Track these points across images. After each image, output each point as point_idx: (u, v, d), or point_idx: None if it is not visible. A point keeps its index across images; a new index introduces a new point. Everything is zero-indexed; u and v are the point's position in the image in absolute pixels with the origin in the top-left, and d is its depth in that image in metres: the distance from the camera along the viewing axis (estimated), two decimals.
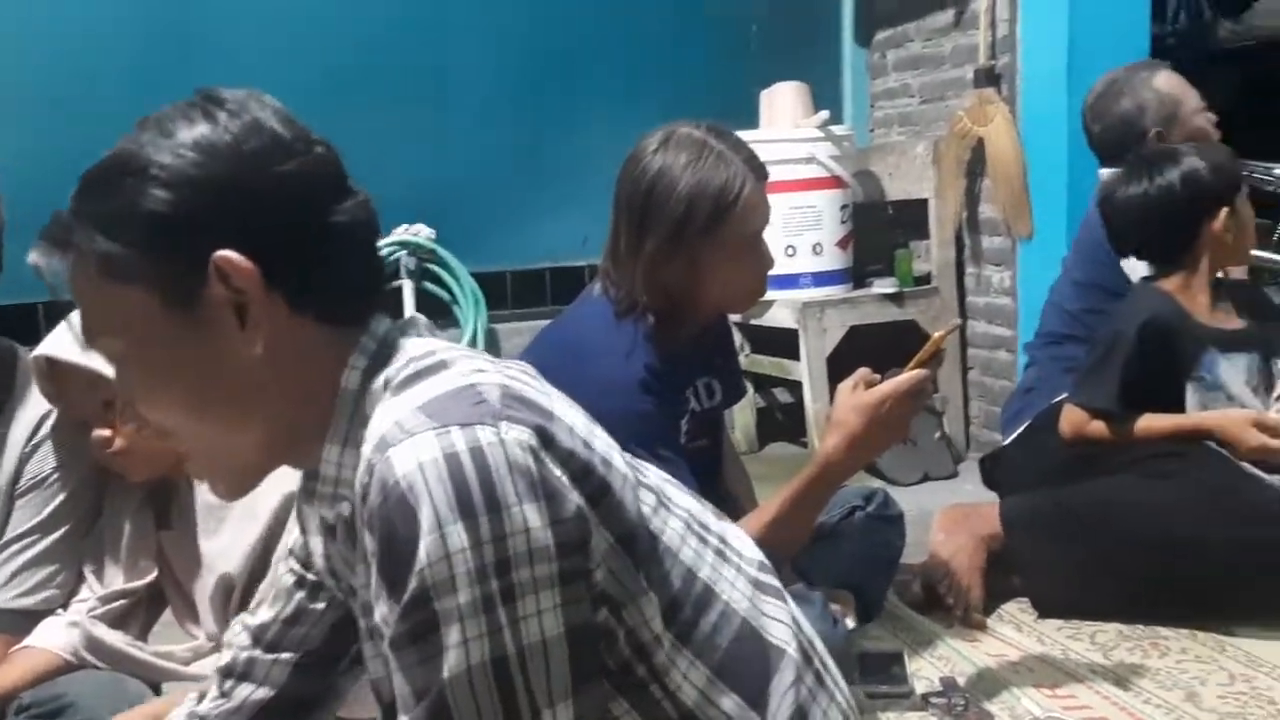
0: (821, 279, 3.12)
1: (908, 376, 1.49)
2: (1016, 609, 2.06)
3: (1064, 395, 2.19)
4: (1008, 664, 1.84)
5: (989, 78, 3.03)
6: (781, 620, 0.93)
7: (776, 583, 0.97)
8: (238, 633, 1.09)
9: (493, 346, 3.22)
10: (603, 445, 0.83)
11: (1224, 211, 1.98)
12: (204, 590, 1.50)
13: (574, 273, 3.23)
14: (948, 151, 3.13)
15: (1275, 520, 1.89)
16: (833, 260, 3.14)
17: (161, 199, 0.78)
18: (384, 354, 0.85)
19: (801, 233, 3.08)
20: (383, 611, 0.74)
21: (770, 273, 1.64)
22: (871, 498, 1.98)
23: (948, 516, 2.11)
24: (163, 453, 1.37)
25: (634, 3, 3.41)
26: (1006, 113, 2.96)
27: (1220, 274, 2.09)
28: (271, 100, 0.85)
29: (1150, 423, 2.01)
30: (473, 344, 3.11)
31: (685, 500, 0.94)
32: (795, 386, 3.23)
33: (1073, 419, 2.07)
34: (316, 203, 0.82)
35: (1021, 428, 2.34)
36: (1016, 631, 1.98)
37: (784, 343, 3.15)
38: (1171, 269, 2.04)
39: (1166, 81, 2.36)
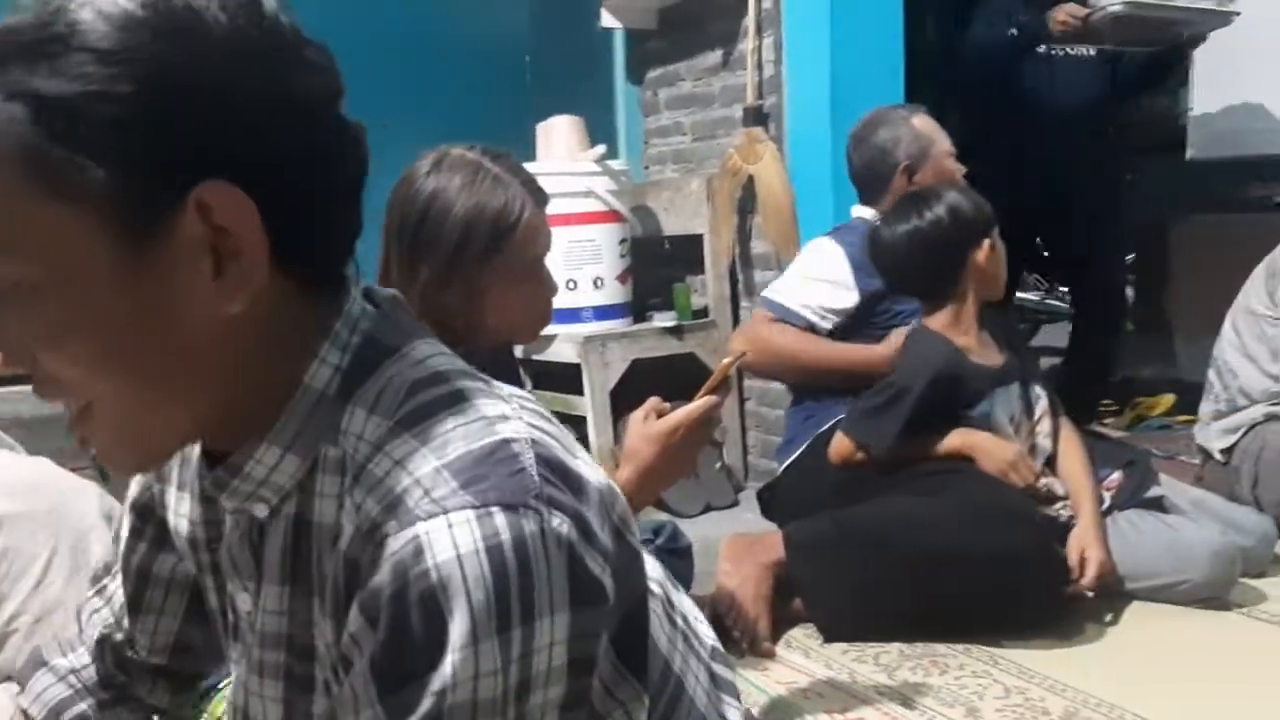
0: (603, 313, 3.10)
1: (699, 403, 1.47)
2: (803, 634, 2.07)
3: (832, 422, 2.24)
4: (798, 690, 1.84)
5: (757, 117, 3.11)
6: None
7: (730, 675, 0.89)
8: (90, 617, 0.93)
9: None
10: (621, 507, 0.71)
11: (987, 242, 2.08)
12: None
13: None
14: (720, 188, 3.19)
15: (1037, 532, 1.99)
16: (613, 294, 3.13)
17: (129, 91, 0.58)
18: (368, 356, 0.69)
19: (582, 266, 3.05)
20: (369, 716, 0.61)
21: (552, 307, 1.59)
22: (661, 530, 1.95)
23: (732, 547, 2.11)
24: None
25: (402, 32, 3.31)
26: (775, 151, 3.04)
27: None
28: None
29: (915, 444, 2.08)
30: None
31: (654, 569, 0.82)
32: (579, 421, 3.19)
33: (842, 449, 2.12)
34: (332, 127, 0.67)
35: (793, 456, 2.39)
36: (804, 658, 1.99)
37: (567, 377, 3.11)
38: (941, 302, 2.13)
39: (922, 122, 2.49)
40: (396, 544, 0.60)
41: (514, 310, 1.50)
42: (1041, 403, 2.19)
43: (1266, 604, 2.05)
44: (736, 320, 3.28)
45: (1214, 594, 2.05)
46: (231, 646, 0.80)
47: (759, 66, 3.13)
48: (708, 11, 3.27)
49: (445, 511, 0.60)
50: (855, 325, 2.39)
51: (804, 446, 2.36)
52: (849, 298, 2.37)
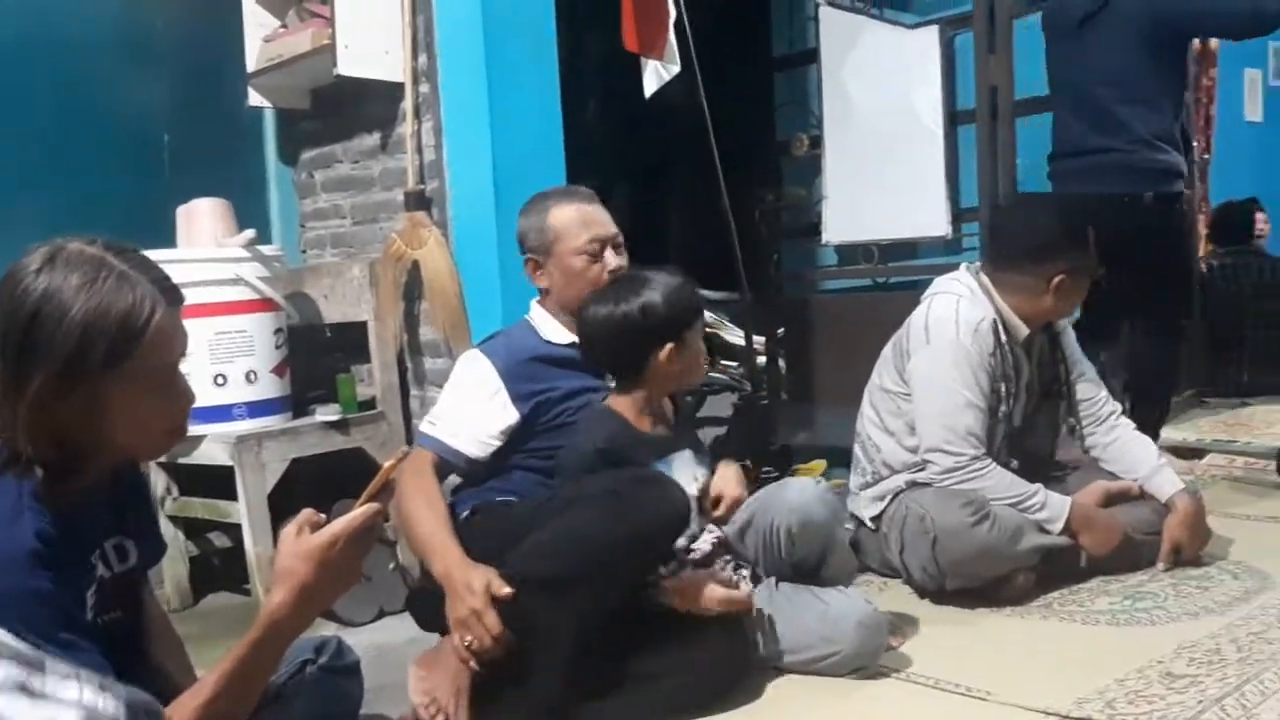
0: (257, 409, 2.89)
1: (358, 513, 1.37)
2: None
3: (464, 514, 2.16)
4: None
5: (419, 201, 3.05)
6: None
7: None
8: None
9: None
10: None
11: (670, 346, 2.09)
12: None
13: None
14: (384, 274, 3.09)
15: (678, 492, 1.95)
16: (269, 388, 2.92)
17: None
18: None
19: (232, 359, 2.83)
20: None
21: (197, 406, 1.44)
22: (323, 648, 1.78)
23: (422, 661, 1.98)
24: None
25: (17, 104, 2.98)
26: (439, 235, 2.99)
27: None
28: None
29: None
30: None
31: None
32: (234, 529, 2.93)
33: None
34: None
35: None
36: None
37: (218, 482, 2.85)
38: (629, 386, 2.14)
39: (561, 216, 2.28)
40: None
41: (144, 424, 1.33)
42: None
43: (916, 666, 2.16)
44: (407, 410, 3.17)
45: (863, 663, 2.08)
46: None
47: (419, 150, 3.08)
48: (363, 94, 3.18)
49: None
50: (527, 436, 2.23)
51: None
52: (508, 415, 2.21)
